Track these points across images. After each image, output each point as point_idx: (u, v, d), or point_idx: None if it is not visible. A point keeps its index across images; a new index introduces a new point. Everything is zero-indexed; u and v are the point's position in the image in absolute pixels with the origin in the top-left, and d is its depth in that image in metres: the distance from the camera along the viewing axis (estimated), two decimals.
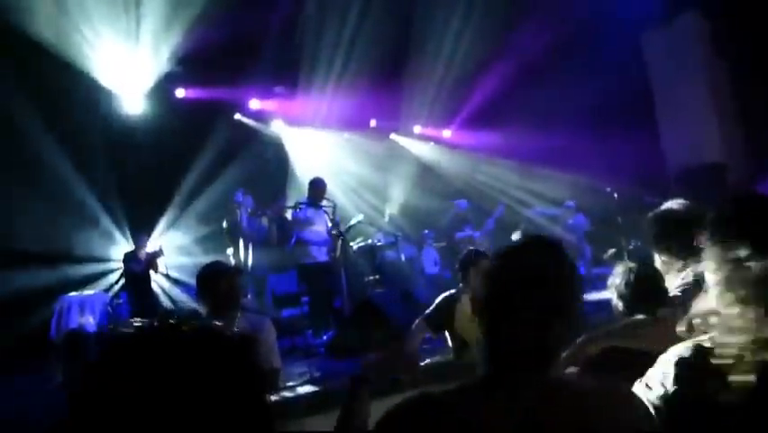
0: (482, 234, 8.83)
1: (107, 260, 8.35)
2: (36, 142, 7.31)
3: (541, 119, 10.75)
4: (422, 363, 4.34)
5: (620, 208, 8.21)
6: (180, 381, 0.75)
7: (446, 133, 13.11)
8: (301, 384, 4.25)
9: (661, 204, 2.47)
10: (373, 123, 12.01)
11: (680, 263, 2.29)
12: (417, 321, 3.98)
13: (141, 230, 7.98)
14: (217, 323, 0.91)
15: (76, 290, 6.92)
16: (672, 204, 2.42)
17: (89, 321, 6.36)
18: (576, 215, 9.90)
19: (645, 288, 2.23)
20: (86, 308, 6.57)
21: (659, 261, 2.39)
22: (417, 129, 12.64)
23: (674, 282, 2.23)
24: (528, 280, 1.13)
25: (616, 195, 8.15)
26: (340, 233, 6.51)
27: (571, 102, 10.52)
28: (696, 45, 10.25)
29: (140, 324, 0.82)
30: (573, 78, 10.13)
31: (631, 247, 8.60)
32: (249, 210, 7.02)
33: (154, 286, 7.90)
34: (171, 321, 0.83)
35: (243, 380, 0.81)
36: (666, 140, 10.74)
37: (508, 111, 11.05)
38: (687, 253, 2.26)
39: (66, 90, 7.54)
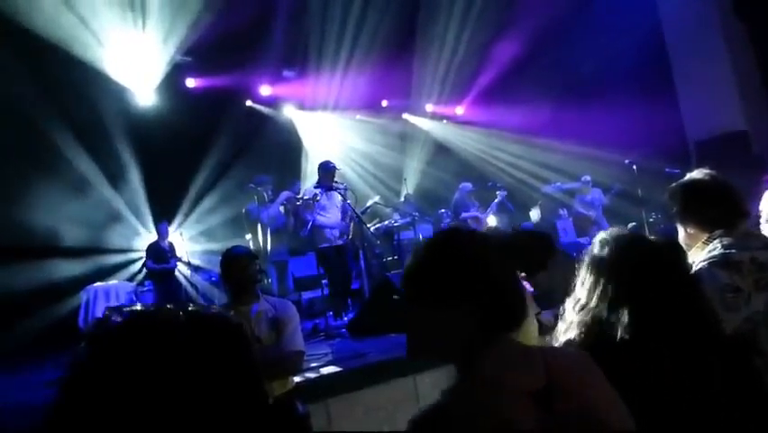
0: (487, 215, 8.88)
1: (130, 250, 8.50)
2: (57, 141, 7.44)
3: (554, 91, 10.58)
4: None
5: (639, 181, 8.06)
6: (169, 367, 0.74)
7: (459, 110, 13.00)
8: (324, 365, 4.32)
9: (683, 175, 2.35)
10: (385, 103, 11.96)
11: (705, 236, 2.18)
12: None
13: (161, 220, 8.09)
14: (217, 308, 0.89)
15: (101, 280, 7.03)
16: (698, 173, 2.29)
17: None
18: (593, 189, 9.78)
19: None
20: (111, 296, 6.63)
21: (683, 233, 2.27)
22: (430, 107, 12.55)
23: (699, 256, 2.12)
24: None
25: (634, 167, 7.98)
26: (354, 214, 6.54)
27: (585, 71, 10.30)
28: (714, 6, 9.93)
29: (132, 310, 0.80)
30: (586, 46, 9.90)
31: (651, 220, 8.48)
32: (266, 196, 7.07)
33: (177, 274, 8.03)
34: (168, 307, 0.82)
35: (237, 366, 0.79)
36: (685, 108, 10.46)
37: (520, 84, 10.89)
38: (715, 224, 2.16)
39: (79, 86, 7.60)
